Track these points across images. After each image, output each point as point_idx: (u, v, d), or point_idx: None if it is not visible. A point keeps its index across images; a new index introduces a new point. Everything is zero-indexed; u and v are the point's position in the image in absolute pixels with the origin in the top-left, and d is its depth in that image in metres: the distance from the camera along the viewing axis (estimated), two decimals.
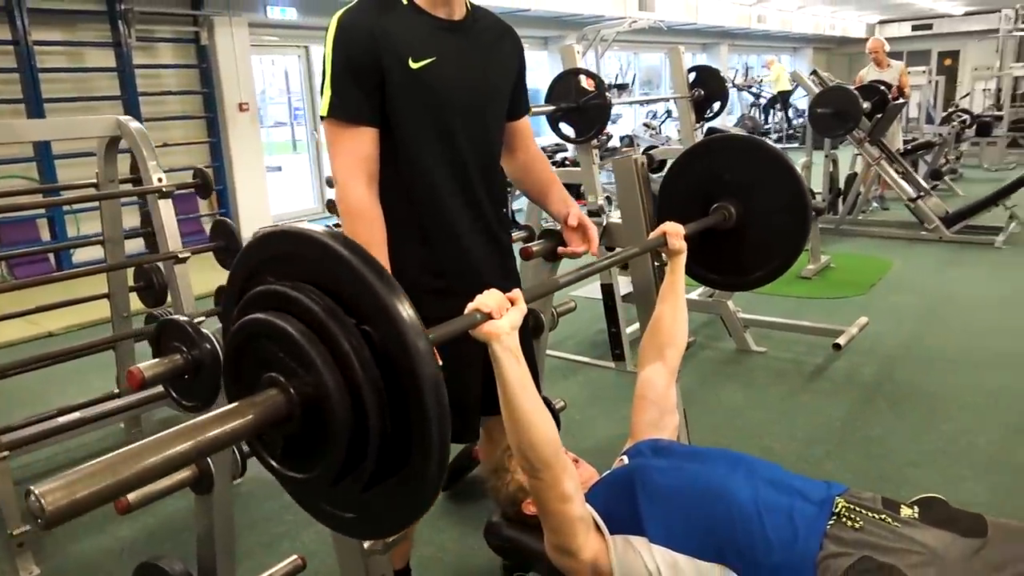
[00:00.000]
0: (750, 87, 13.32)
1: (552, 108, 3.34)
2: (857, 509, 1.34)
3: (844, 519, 1.32)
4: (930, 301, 4.55)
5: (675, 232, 1.76)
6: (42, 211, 6.23)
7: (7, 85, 6.01)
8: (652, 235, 1.79)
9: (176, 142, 7.06)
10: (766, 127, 14.32)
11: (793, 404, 3.20)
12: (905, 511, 1.38)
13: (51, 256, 6.14)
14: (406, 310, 0.85)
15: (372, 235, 1.49)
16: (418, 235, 1.59)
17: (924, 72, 9.44)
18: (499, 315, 1.23)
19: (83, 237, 5.79)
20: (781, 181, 1.93)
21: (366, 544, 1.22)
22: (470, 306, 1.23)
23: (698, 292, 4.23)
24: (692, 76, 4.26)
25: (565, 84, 3.39)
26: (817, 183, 6.83)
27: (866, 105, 6.20)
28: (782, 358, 3.72)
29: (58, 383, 3.50)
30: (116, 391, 3.17)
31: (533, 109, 3.42)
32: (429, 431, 0.85)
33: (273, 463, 0.95)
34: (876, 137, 6.27)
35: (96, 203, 3.18)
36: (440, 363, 0.90)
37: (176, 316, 1.36)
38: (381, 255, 1.50)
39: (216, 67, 7.30)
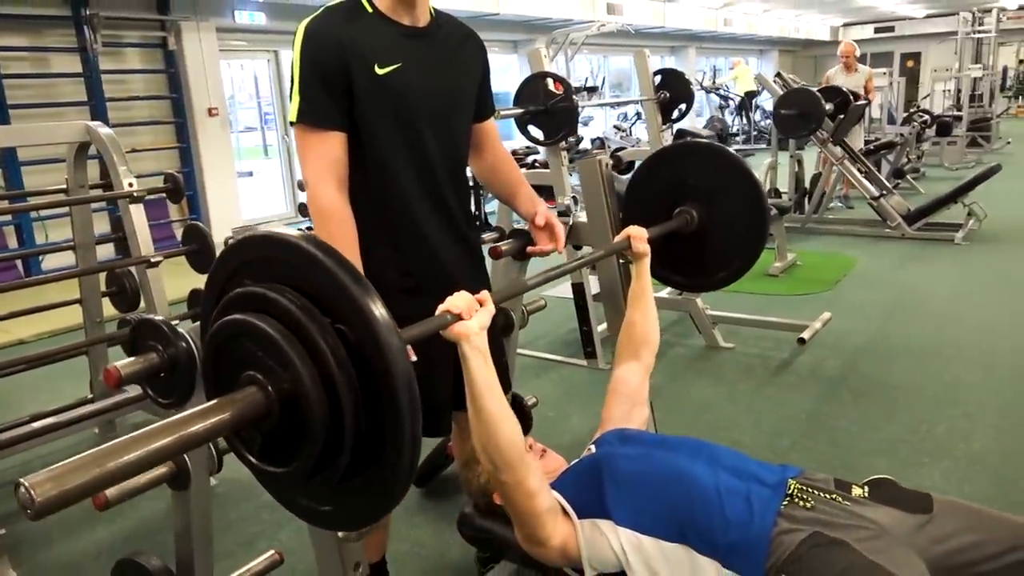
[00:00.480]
0: (718, 89, 13.51)
1: (520, 111, 3.40)
2: (809, 490, 1.41)
3: (797, 499, 1.39)
4: (893, 296, 4.68)
5: (639, 236, 1.82)
6: (8, 218, 6.15)
7: None
8: (617, 238, 1.85)
9: (145, 147, 7.02)
10: (733, 129, 14.53)
11: (760, 398, 3.29)
12: (856, 491, 1.45)
13: (19, 264, 6.07)
14: (379, 309, 0.89)
15: (343, 236, 1.53)
16: (388, 236, 1.63)
17: (885, 74, 9.66)
18: (468, 316, 1.27)
19: (52, 244, 5.75)
20: (741, 186, 1.99)
21: (340, 532, 1.26)
22: (441, 307, 1.27)
23: (667, 290, 4.31)
24: (658, 79, 4.35)
25: (533, 87, 3.45)
26: (783, 183, 6.98)
27: (829, 106, 6.35)
28: (749, 353, 3.81)
29: (30, 390, 3.49)
30: (90, 396, 3.16)
31: (502, 112, 3.49)
32: (402, 426, 0.89)
33: (251, 459, 0.98)
34: (839, 138, 6.41)
35: (66, 209, 3.17)
36: (414, 359, 0.94)
37: (151, 316, 1.38)
38: (353, 255, 1.55)
39: (184, 72, 7.27)
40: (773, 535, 1.33)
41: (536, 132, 3.53)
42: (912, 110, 9.81)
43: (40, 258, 6.10)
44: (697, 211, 1.99)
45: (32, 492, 0.75)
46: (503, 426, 1.35)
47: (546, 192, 2.95)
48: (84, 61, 6.53)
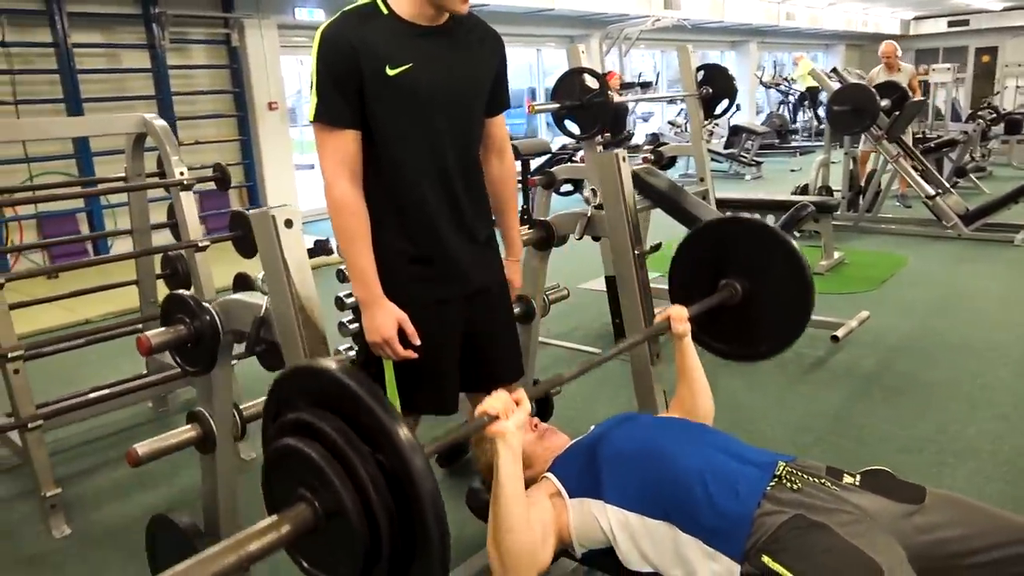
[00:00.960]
0: (778, 85, 13.26)
1: (557, 106, 3.48)
2: (798, 474, 1.45)
3: (785, 481, 1.43)
4: (940, 296, 4.58)
5: (679, 316, 1.84)
6: (81, 205, 6.52)
7: (49, 86, 6.31)
8: (657, 319, 1.89)
9: (208, 140, 7.33)
10: (794, 125, 14.25)
11: (790, 393, 3.29)
12: (847, 479, 1.49)
13: (89, 247, 6.44)
14: (404, 434, 0.99)
15: (355, 227, 1.64)
16: (401, 227, 1.72)
17: (949, 69, 9.35)
18: (506, 416, 1.36)
19: (112, 230, 6.11)
20: (786, 261, 1.97)
21: None
22: (479, 408, 1.37)
23: None
24: (701, 75, 4.35)
25: (570, 83, 3.53)
26: (836, 181, 6.87)
27: (885, 103, 6.22)
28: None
29: (91, 366, 3.72)
30: (145, 372, 3.36)
31: (537, 107, 3.56)
32: (430, 538, 0.99)
33: (305, 564, 1.09)
34: (895, 135, 6.27)
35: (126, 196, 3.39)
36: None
37: (180, 291, 1.51)
38: (364, 245, 1.66)
39: (246, 67, 7.54)
40: (756, 516, 1.37)
41: (572, 127, 3.61)
42: (981, 106, 9.48)
43: (109, 243, 6.46)
44: (741, 284, 1.98)
45: None
46: (518, 528, 1.39)
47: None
48: (152, 57, 6.86)
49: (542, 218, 2.36)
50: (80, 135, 6.02)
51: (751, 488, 1.41)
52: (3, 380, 2.48)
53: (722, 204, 4.49)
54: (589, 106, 3.49)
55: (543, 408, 2.67)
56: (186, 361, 1.50)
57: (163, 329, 1.48)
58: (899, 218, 6.65)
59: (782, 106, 14.27)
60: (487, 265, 1.88)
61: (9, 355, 2.37)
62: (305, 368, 1.10)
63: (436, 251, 1.75)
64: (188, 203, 2.81)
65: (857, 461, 2.65)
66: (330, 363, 1.05)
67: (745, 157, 10.52)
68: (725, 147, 10.60)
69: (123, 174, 3.18)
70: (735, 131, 10.59)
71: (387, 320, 1.64)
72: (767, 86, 13.33)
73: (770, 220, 4.45)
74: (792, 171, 10.49)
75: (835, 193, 6.62)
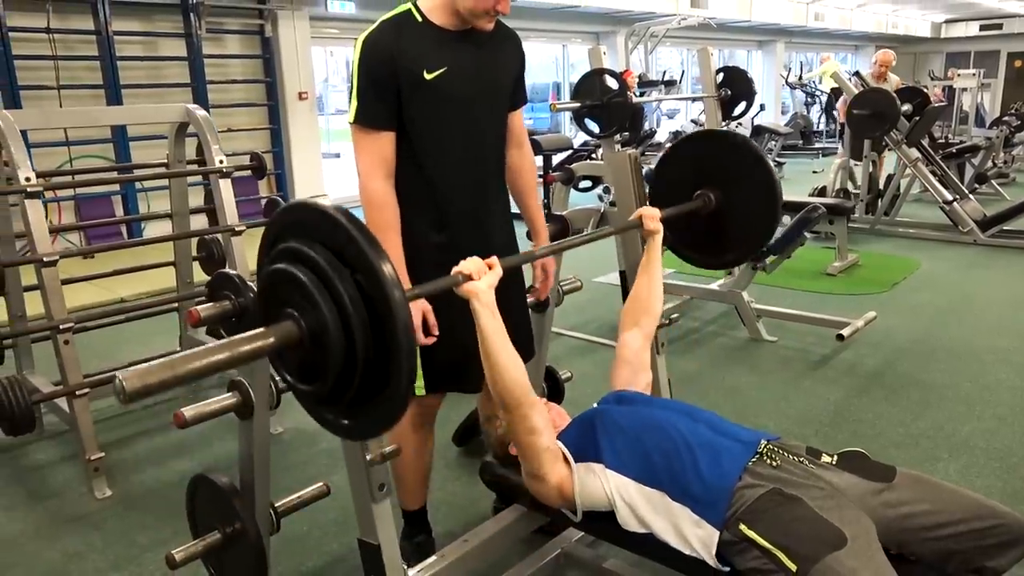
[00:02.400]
0: (804, 85, 13.26)
1: (577, 105, 3.61)
2: (779, 451, 1.60)
3: (766, 457, 1.58)
4: (949, 300, 4.67)
5: (651, 215, 2.01)
6: (117, 189, 6.76)
7: (89, 72, 6.53)
8: (630, 218, 2.05)
9: (240, 127, 7.53)
10: (821, 127, 14.23)
11: (793, 388, 3.41)
12: (825, 458, 1.63)
13: (124, 230, 6.68)
14: (388, 268, 1.12)
15: (387, 220, 1.81)
16: (434, 218, 1.88)
17: (974, 75, 9.33)
18: (478, 277, 1.52)
19: (152, 213, 6.33)
20: (758, 174, 2.16)
21: (368, 456, 1.53)
22: (454, 270, 1.52)
23: (717, 283, 4.45)
24: (721, 76, 4.46)
25: (590, 83, 3.65)
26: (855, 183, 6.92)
27: (906, 107, 6.29)
28: (791, 347, 3.92)
29: (127, 343, 3.92)
30: (178, 349, 3.56)
31: (559, 106, 3.70)
32: (400, 360, 1.13)
33: (289, 377, 1.25)
34: (914, 139, 6.33)
35: (166, 181, 3.58)
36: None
37: (228, 270, 1.68)
38: (395, 237, 1.82)
39: (279, 58, 7.74)
40: (736, 488, 1.51)
41: (592, 125, 3.74)
42: (1008, 112, 9.46)
43: (142, 226, 6.69)
44: (715, 194, 2.17)
45: (124, 383, 1.02)
46: (509, 368, 1.58)
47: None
48: (189, 46, 7.08)
49: (558, 212, 2.50)
50: (127, 123, 6.30)
51: (734, 462, 1.55)
52: (52, 351, 2.68)
53: None
54: (608, 106, 3.62)
55: (554, 391, 2.82)
56: (231, 333, 1.66)
57: (211, 304, 1.64)
58: (916, 222, 6.70)
59: (807, 107, 14.24)
60: (510, 248, 2.02)
61: (60, 327, 2.56)
62: (299, 204, 1.23)
63: (462, 239, 1.89)
64: (227, 190, 2.98)
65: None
66: (323, 201, 1.19)
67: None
68: None
69: (159, 159, 3.38)
70: (757, 131, 10.63)
71: (412, 310, 1.79)
72: (792, 87, 13.33)
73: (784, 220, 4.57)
74: (814, 172, 10.51)
75: (854, 195, 6.69)
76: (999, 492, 2.49)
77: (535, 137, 9.15)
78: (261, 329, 1.17)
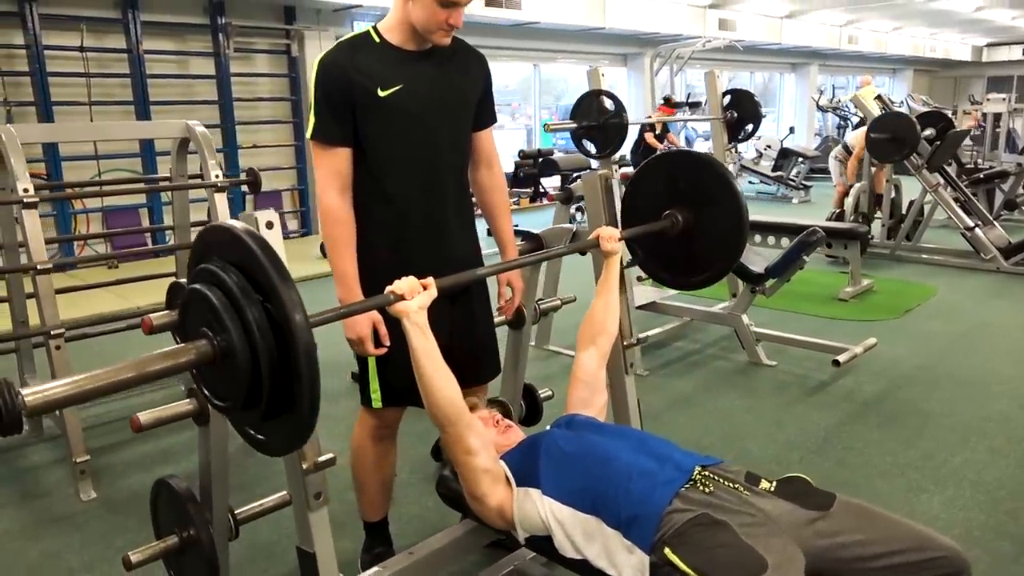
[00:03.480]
0: (836, 109, 13.10)
1: (574, 125, 3.65)
2: (713, 477, 1.58)
3: (699, 484, 1.56)
4: (961, 329, 4.56)
5: (608, 236, 2.02)
6: (143, 201, 6.96)
7: (121, 88, 6.76)
8: (589, 237, 2.06)
9: (265, 144, 7.72)
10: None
11: (786, 413, 3.36)
12: (764, 484, 1.61)
13: (149, 239, 6.88)
14: (290, 294, 1.16)
15: (341, 234, 1.86)
16: (389, 233, 1.91)
17: (1004, 99, 9.14)
18: (411, 296, 1.54)
19: (158, 225, 6.62)
20: (725, 196, 2.15)
21: (304, 465, 1.55)
22: (387, 289, 1.55)
23: (720, 306, 4.42)
24: (727, 98, 4.46)
25: (588, 104, 3.69)
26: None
27: (928, 131, 6.19)
28: (790, 372, 3.87)
29: (133, 351, 3.99)
30: None
31: (552, 126, 3.72)
32: (302, 384, 1.16)
33: (206, 393, 1.29)
34: (936, 164, 6.22)
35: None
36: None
37: (180, 279, 1.73)
38: (348, 251, 1.86)
39: (305, 76, 7.90)
40: (665, 512, 1.50)
41: (589, 146, 3.77)
42: None
43: (167, 236, 6.86)
44: (683, 215, 2.17)
45: (24, 399, 1.07)
46: (440, 388, 1.60)
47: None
48: (217, 64, 7.28)
49: (531, 231, 2.52)
50: (133, 138, 6.58)
51: (666, 488, 1.54)
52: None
53: None
54: (605, 127, 3.65)
55: (532, 410, 2.82)
56: (180, 340, 1.71)
57: (165, 312, 1.70)
58: (938, 248, 6.57)
59: (840, 131, 14.06)
60: (469, 265, 2.04)
61: (52, 332, 2.65)
62: (220, 228, 1.27)
63: (417, 255, 1.92)
64: (222, 204, 3.06)
65: (835, 483, 2.72)
66: (241, 225, 1.24)
67: (793, 180, 10.46)
68: (773, 169, 10.56)
69: (192, 173, 3.48)
70: (784, 154, 10.55)
71: (362, 321, 1.83)
72: (824, 110, 13.18)
73: (784, 243, 4.53)
74: None
75: (871, 221, 6.59)
76: (980, 526, 2.43)
77: (553, 156, 9.23)
78: (179, 346, 1.22)
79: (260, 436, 1.30)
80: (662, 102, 9.40)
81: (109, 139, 6.22)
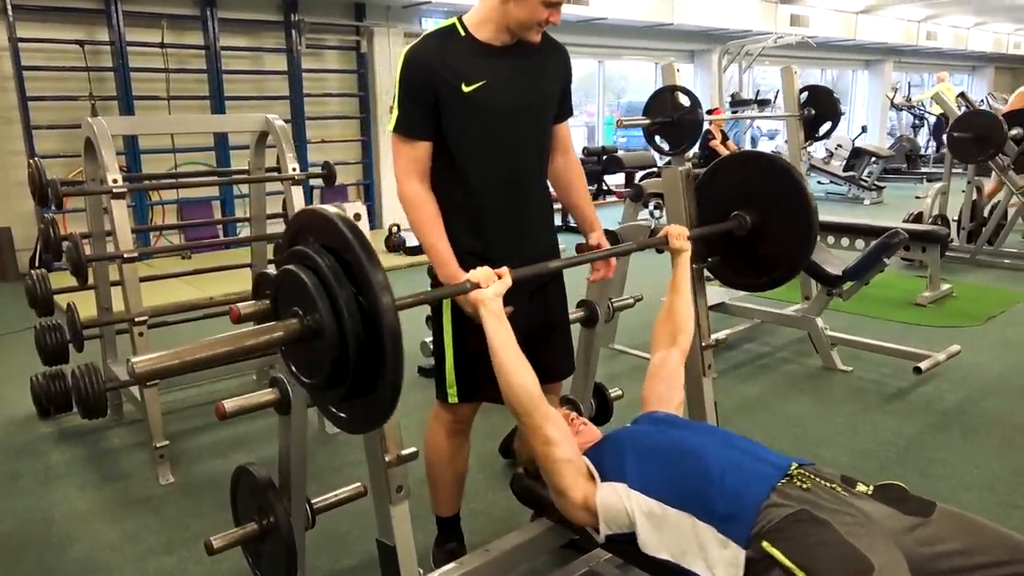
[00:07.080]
0: (911, 107, 12.64)
1: (648, 122, 3.59)
2: (810, 476, 1.53)
3: (795, 480, 1.51)
4: None
5: (677, 234, 2.00)
6: (216, 193, 7.16)
7: (198, 84, 6.96)
8: (658, 235, 2.03)
9: (334, 139, 7.84)
10: (927, 150, 13.54)
11: (862, 421, 3.25)
12: (860, 487, 1.55)
13: (220, 231, 7.07)
14: (379, 275, 1.18)
15: (427, 215, 1.87)
16: (465, 225, 1.91)
17: None
18: (486, 285, 1.54)
19: (233, 217, 6.81)
20: (795, 199, 2.10)
21: (387, 458, 1.56)
22: (463, 277, 1.55)
23: (792, 308, 4.30)
24: (804, 96, 4.33)
25: (662, 100, 3.63)
26: (954, 211, 6.54)
27: (1015, 131, 5.92)
28: (866, 378, 3.74)
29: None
30: None
31: (625, 121, 3.68)
32: (386, 365, 1.19)
33: (294, 369, 1.32)
34: None
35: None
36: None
37: (266, 270, 1.76)
38: (437, 228, 1.87)
39: (373, 73, 8.01)
40: (763, 506, 1.45)
41: (662, 143, 3.70)
42: None
43: (238, 228, 7.04)
44: (751, 216, 2.13)
45: (135, 367, 1.11)
46: (517, 375, 1.60)
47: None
48: (289, 61, 7.43)
49: (608, 228, 2.49)
50: (213, 131, 6.79)
51: (762, 481, 1.50)
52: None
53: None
54: (680, 123, 3.58)
55: (602, 409, 2.79)
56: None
57: (252, 302, 1.72)
58: (1022, 253, 6.27)
59: (915, 130, 13.58)
60: (548, 255, 2.02)
61: (136, 319, 2.73)
62: (315, 211, 1.31)
63: (498, 248, 1.91)
64: (298, 196, 3.11)
65: (919, 494, 2.62)
66: (334, 210, 1.27)
67: (865, 181, 10.13)
68: (845, 169, 10.24)
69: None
70: (856, 153, 10.22)
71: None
72: (899, 108, 12.72)
73: (859, 245, 4.39)
74: (917, 197, 10.00)
75: (951, 224, 6.33)
76: None
77: (615, 155, 9.14)
78: (270, 324, 1.24)
79: (342, 414, 1.33)
80: (729, 100, 9.22)
81: (192, 132, 6.44)
